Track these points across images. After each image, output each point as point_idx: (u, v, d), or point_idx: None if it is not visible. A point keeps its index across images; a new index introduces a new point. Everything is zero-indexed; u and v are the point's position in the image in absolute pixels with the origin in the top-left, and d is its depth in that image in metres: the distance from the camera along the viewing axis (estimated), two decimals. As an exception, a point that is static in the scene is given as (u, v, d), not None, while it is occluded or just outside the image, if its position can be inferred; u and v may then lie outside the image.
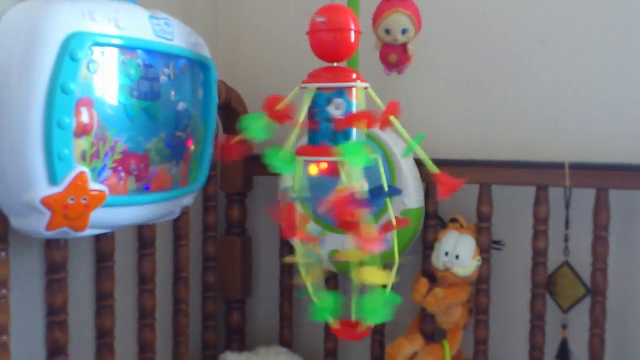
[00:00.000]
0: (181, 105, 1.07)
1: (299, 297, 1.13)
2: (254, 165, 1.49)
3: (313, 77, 1.05)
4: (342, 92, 1.05)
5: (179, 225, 1.33)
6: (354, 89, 1.06)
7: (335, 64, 1.07)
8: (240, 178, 1.51)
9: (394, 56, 1.27)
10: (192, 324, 1.42)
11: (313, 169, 1.10)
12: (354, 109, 1.07)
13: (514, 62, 1.39)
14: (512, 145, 1.40)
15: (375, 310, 1.04)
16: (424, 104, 1.47)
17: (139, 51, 0.98)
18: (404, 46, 1.29)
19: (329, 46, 1.03)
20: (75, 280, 1.13)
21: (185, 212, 1.31)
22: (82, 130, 0.89)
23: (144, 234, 1.23)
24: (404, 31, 1.24)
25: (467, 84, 1.43)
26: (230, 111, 1.45)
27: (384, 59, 1.32)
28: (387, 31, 1.24)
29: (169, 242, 1.33)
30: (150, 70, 1.00)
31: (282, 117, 1.06)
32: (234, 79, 1.49)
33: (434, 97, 1.46)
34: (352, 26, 1.03)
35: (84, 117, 0.88)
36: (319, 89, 1.05)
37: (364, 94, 1.10)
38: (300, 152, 1.07)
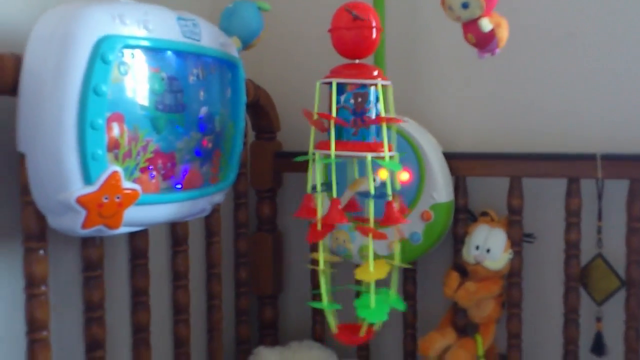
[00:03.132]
0: (204, 110, 1.08)
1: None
2: (284, 162, 1.52)
3: (334, 73, 1.06)
4: (365, 89, 1.05)
5: (211, 222, 1.35)
6: (373, 87, 1.06)
7: (357, 61, 1.07)
8: (270, 175, 1.53)
9: (471, 36, 1.13)
10: (226, 319, 1.44)
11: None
12: (379, 106, 1.07)
13: (543, 53, 1.38)
14: (543, 137, 1.39)
15: (374, 310, 1.04)
16: (452, 97, 1.46)
17: (164, 63, 0.99)
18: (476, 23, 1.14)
19: (351, 43, 1.04)
20: (112, 277, 1.15)
21: (216, 209, 1.33)
22: (115, 145, 0.91)
23: (177, 231, 1.25)
24: (464, 5, 1.10)
25: (496, 75, 1.42)
26: (259, 109, 1.47)
27: (466, 40, 1.18)
28: (450, 8, 1.11)
29: (202, 239, 1.36)
30: (175, 83, 1.01)
31: (323, 126, 1.08)
32: (261, 77, 1.50)
33: (462, 90, 1.46)
34: (374, 23, 1.04)
35: (115, 132, 0.91)
36: (342, 84, 1.06)
37: (388, 91, 1.10)
38: (326, 146, 1.07)
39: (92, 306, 1.06)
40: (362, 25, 1.02)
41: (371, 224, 1.04)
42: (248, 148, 1.51)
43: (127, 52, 0.92)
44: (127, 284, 1.17)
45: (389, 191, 1.06)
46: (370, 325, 1.07)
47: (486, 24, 1.08)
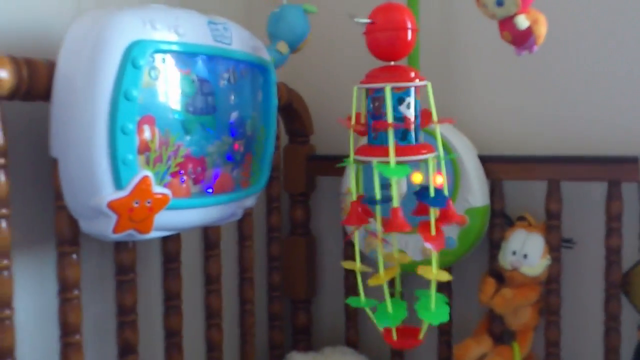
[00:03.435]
0: (234, 115, 1.08)
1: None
2: (317, 166, 1.51)
3: (371, 77, 1.05)
4: (381, 93, 1.04)
5: (243, 226, 1.34)
6: (412, 89, 1.04)
7: (392, 63, 1.06)
8: (303, 178, 1.52)
9: (507, 33, 1.09)
10: (258, 324, 1.43)
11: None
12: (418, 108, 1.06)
13: (582, 52, 1.35)
14: (582, 139, 1.35)
15: (435, 312, 1.03)
16: (488, 98, 1.44)
17: (195, 66, 0.99)
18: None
19: (385, 46, 1.02)
20: (144, 281, 1.16)
21: (249, 213, 1.33)
22: (145, 148, 0.91)
23: (209, 235, 1.25)
24: (499, 3, 1.08)
25: (534, 75, 1.39)
26: (292, 112, 1.47)
27: (503, 38, 1.14)
28: (485, 5, 1.09)
29: (234, 243, 1.35)
30: (206, 85, 1.01)
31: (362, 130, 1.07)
32: (295, 80, 1.50)
33: (498, 91, 1.43)
34: (409, 25, 1.02)
35: (147, 134, 0.91)
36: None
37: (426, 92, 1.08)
38: (367, 152, 1.05)
39: (125, 310, 1.07)
40: (398, 27, 1.00)
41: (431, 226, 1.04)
42: (281, 152, 1.50)
43: (157, 56, 0.92)
44: (160, 287, 1.17)
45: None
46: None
47: (522, 21, 1.05)
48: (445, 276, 1.04)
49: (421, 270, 1.04)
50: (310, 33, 1.23)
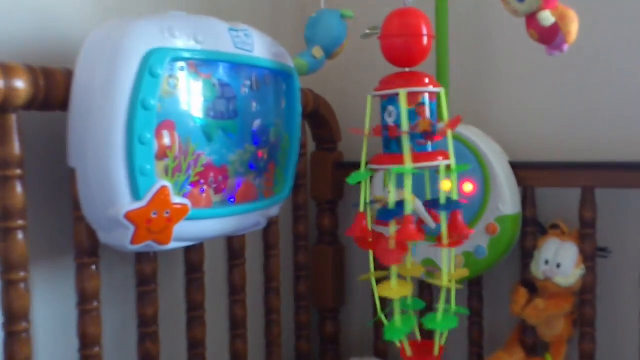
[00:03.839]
0: (257, 123, 1.06)
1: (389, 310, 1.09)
2: (345, 173, 1.48)
3: (385, 83, 1.02)
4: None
5: (268, 235, 1.33)
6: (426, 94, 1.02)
7: (407, 69, 1.03)
8: (330, 186, 1.50)
9: (534, 32, 1.03)
10: (285, 334, 1.42)
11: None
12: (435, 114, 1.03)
13: (618, 51, 1.30)
14: (617, 145, 1.31)
15: (442, 320, 1.01)
16: (519, 102, 1.40)
17: (216, 70, 0.98)
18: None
19: (400, 52, 1.00)
20: (167, 291, 1.15)
21: (274, 221, 1.31)
22: (164, 154, 0.90)
23: (233, 244, 1.23)
24: None
25: (567, 78, 1.35)
26: (319, 119, 1.45)
27: (530, 36, 1.08)
28: (507, 1, 1.03)
29: (260, 252, 1.34)
30: (228, 89, 1.00)
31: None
32: (322, 87, 1.48)
33: (530, 94, 1.39)
34: (425, 31, 0.99)
35: (166, 140, 0.90)
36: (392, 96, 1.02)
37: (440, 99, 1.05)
38: (384, 160, 1.03)
39: (146, 321, 1.05)
40: (413, 32, 0.98)
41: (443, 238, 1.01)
42: (308, 159, 1.48)
43: (177, 65, 0.91)
44: (183, 298, 1.16)
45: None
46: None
47: (546, 18, 0.99)
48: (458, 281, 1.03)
49: (382, 292, 1.02)
50: (347, 39, 1.20)
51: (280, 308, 1.36)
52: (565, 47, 1.03)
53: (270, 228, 1.31)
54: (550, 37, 1.02)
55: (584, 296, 1.28)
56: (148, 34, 0.87)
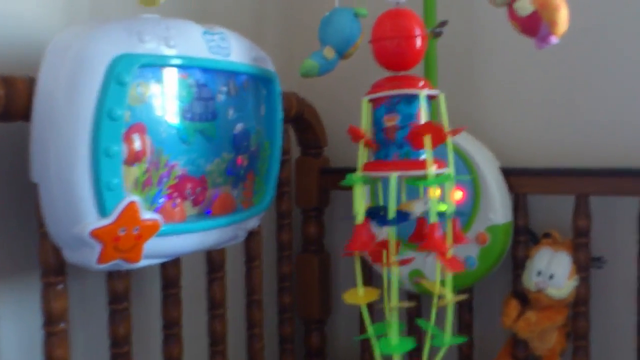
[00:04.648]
0: (239, 127, 1.01)
1: (379, 318, 1.06)
2: (331, 179, 1.44)
3: (378, 87, 0.98)
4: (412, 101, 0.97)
5: (250, 245, 1.28)
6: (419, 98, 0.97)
7: (400, 73, 0.99)
8: (316, 193, 1.45)
9: (515, 23, 0.96)
10: (269, 347, 1.37)
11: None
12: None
13: (612, 55, 1.26)
14: (612, 151, 1.27)
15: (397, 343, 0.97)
16: (510, 107, 1.36)
17: (193, 70, 0.93)
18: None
19: (393, 54, 0.95)
20: (140, 308, 1.10)
21: (256, 231, 1.26)
22: (135, 158, 0.85)
23: (212, 257, 1.18)
24: None
25: (559, 83, 1.31)
26: (304, 124, 1.40)
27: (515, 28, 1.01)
28: None
29: (241, 264, 1.29)
30: (205, 90, 0.95)
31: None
32: (307, 90, 1.43)
33: (521, 99, 1.35)
34: (417, 32, 0.94)
35: (136, 144, 0.84)
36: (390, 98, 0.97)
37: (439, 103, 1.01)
38: (374, 167, 0.99)
39: (118, 341, 1.00)
40: (405, 34, 0.93)
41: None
42: (292, 164, 1.44)
43: (147, 71, 0.86)
44: (158, 315, 1.11)
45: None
46: None
47: (522, 7, 0.91)
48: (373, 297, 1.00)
49: (348, 298, 1.00)
50: (362, 38, 1.15)
51: (263, 321, 1.31)
52: (553, 38, 0.94)
53: (252, 238, 1.26)
54: (533, 28, 0.93)
55: (578, 308, 1.24)
56: (115, 39, 0.82)
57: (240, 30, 1.08)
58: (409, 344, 0.97)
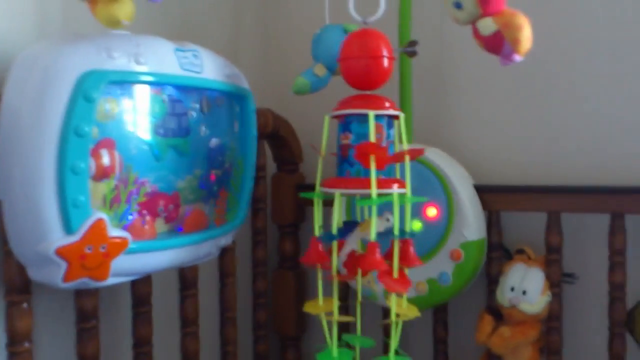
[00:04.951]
0: (214, 142, 1.01)
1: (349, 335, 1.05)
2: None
3: (341, 105, 0.99)
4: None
5: (224, 262, 1.27)
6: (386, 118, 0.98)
7: (368, 92, 0.99)
8: (291, 209, 1.45)
9: (480, 42, 0.96)
10: (243, 365, 1.36)
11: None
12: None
13: (582, 77, 1.28)
14: (584, 169, 1.28)
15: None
16: (484, 126, 1.37)
17: (166, 86, 0.93)
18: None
19: (360, 74, 0.96)
20: (110, 326, 1.08)
21: (230, 248, 1.26)
22: (103, 174, 0.84)
23: (185, 274, 1.18)
24: (457, 5, 0.95)
25: (532, 102, 1.32)
26: (279, 140, 1.40)
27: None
28: (449, 10, 0.97)
29: (215, 281, 1.28)
30: (178, 105, 0.94)
31: None
32: (283, 107, 1.43)
33: (495, 118, 1.36)
34: (385, 52, 0.95)
35: (105, 160, 0.84)
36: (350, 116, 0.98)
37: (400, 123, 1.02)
38: (334, 184, 0.99)
39: (86, 360, 0.99)
40: (372, 55, 0.94)
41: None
42: (268, 181, 1.43)
43: (116, 88, 0.85)
44: (129, 333, 1.09)
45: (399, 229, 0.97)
46: None
47: (484, 26, 0.92)
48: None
49: (307, 307, 1.01)
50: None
51: (237, 338, 1.30)
52: (516, 57, 0.95)
53: (226, 255, 1.26)
54: (496, 46, 0.94)
55: (551, 323, 1.24)
56: (83, 54, 0.81)
57: (216, 47, 1.08)
58: (347, 355, 0.97)
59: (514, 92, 1.33)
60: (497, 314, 1.26)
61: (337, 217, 0.99)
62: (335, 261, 0.98)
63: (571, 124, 1.29)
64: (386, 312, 1.37)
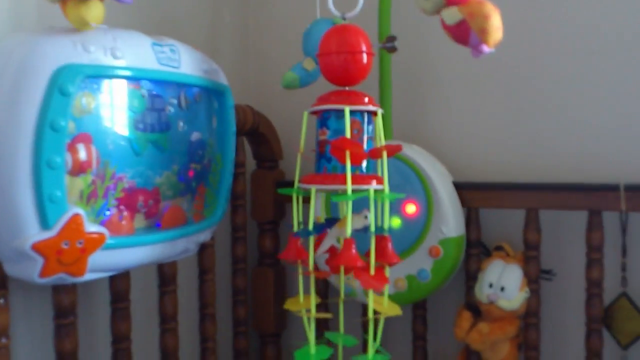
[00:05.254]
0: (195, 136, 1.01)
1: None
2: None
3: (320, 100, 0.99)
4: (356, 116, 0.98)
5: (203, 258, 1.27)
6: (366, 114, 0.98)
7: (347, 88, 0.99)
8: (271, 206, 1.45)
9: (448, 32, 0.94)
10: (223, 361, 1.36)
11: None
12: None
13: (560, 75, 1.29)
14: (562, 166, 1.29)
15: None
16: (463, 123, 1.37)
17: (144, 81, 0.92)
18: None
19: (338, 69, 0.96)
20: (88, 322, 1.07)
21: (209, 244, 1.25)
22: (79, 169, 0.83)
23: (164, 270, 1.17)
24: None
25: (511, 100, 1.33)
26: (259, 137, 1.40)
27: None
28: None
29: (194, 277, 1.27)
30: (157, 101, 0.94)
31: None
32: (263, 103, 1.43)
33: (474, 115, 1.36)
34: (364, 47, 0.95)
35: (81, 154, 0.83)
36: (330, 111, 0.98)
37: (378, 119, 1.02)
38: (312, 180, 0.99)
39: (64, 356, 0.98)
40: (352, 50, 0.93)
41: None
42: (247, 178, 1.43)
43: (93, 82, 0.84)
44: (108, 329, 1.09)
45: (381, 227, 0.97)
46: None
47: (448, 15, 0.89)
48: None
49: (288, 305, 1.01)
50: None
51: (216, 335, 1.29)
52: (484, 47, 0.92)
53: (205, 251, 1.25)
54: (463, 37, 0.92)
55: (528, 319, 1.25)
56: (58, 48, 0.80)
57: (194, 43, 1.07)
58: (325, 352, 0.97)
59: (494, 90, 1.34)
60: (476, 310, 1.27)
61: (313, 213, 0.98)
62: (312, 257, 0.97)
63: (549, 122, 1.30)
64: (366, 309, 1.37)
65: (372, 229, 0.95)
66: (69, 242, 0.81)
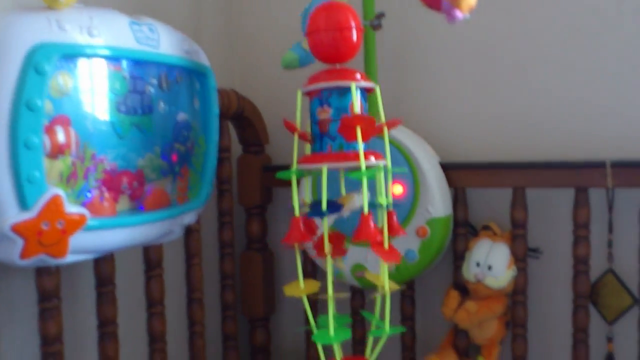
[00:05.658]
0: (182, 116, 1.00)
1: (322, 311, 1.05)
2: (273, 177, 1.43)
3: (313, 79, 0.98)
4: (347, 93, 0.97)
5: (189, 243, 1.26)
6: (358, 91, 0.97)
7: (337, 65, 0.98)
8: (258, 190, 1.44)
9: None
10: (212, 345, 1.36)
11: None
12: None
13: (545, 53, 1.28)
14: (547, 144, 1.29)
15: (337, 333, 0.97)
16: (449, 103, 1.37)
17: (125, 62, 0.91)
18: None
19: (328, 47, 0.95)
20: (73, 306, 1.07)
21: (195, 229, 1.25)
22: (58, 151, 0.82)
23: (149, 254, 1.16)
24: None
25: (496, 79, 1.32)
26: (244, 121, 1.39)
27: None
28: None
29: (180, 262, 1.27)
30: (140, 83, 0.93)
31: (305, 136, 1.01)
32: (248, 87, 1.42)
33: (460, 95, 1.36)
34: (353, 24, 0.94)
35: (60, 137, 0.82)
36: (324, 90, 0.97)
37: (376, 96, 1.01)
38: (313, 160, 0.98)
39: (48, 340, 0.97)
40: (341, 27, 0.92)
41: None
42: (233, 162, 1.42)
43: (71, 61, 0.83)
44: (93, 313, 1.08)
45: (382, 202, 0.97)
46: None
47: None
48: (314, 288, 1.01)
49: (288, 291, 1.00)
50: None
51: (204, 319, 1.29)
52: (458, 13, 0.93)
53: (190, 236, 1.25)
54: (434, 2, 0.93)
55: (516, 297, 1.25)
56: (33, 27, 0.79)
57: (178, 25, 1.06)
58: (345, 334, 0.97)
59: (480, 69, 1.33)
60: (464, 289, 1.27)
61: (325, 193, 0.95)
62: (327, 238, 0.96)
63: (535, 101, 1.30)
64: (354, 290, 1.37)
65: (384, 203, 0.95)
66: (49, 223, 0.80)
